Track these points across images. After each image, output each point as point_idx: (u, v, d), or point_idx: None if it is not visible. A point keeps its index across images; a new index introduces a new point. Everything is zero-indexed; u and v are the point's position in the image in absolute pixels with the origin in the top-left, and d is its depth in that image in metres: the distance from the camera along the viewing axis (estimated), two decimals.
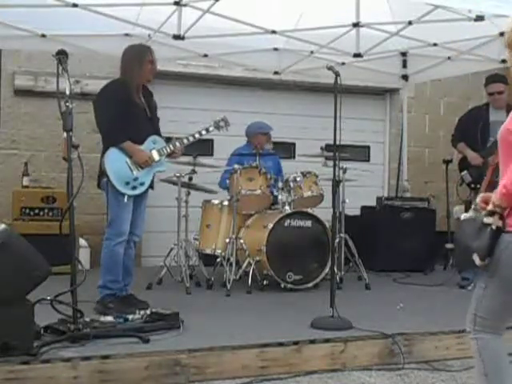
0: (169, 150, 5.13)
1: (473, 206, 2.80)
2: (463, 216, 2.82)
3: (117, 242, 4.90)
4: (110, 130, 4.89)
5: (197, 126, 8.34)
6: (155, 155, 5.05)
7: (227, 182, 6.38)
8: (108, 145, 4.93)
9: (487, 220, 2.65)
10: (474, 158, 6.38)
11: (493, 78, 6.52)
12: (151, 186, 5.16)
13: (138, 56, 5.03)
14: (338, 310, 4.53)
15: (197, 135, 5.39)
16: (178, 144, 5.20)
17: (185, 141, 5.27)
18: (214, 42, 6.52)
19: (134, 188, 4.96)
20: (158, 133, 5.17)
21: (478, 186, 6.14)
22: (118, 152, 4.92)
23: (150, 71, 5.06)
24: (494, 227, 2.62)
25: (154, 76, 5.16)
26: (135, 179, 4.96)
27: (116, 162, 4.89)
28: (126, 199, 4.89)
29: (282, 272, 6.02)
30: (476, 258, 2.66)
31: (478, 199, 2.78)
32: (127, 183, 4.92)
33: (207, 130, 5.52)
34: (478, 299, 2.75)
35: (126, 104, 4.90)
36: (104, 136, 4.99)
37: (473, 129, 6.41)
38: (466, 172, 6.49)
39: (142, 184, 5.00)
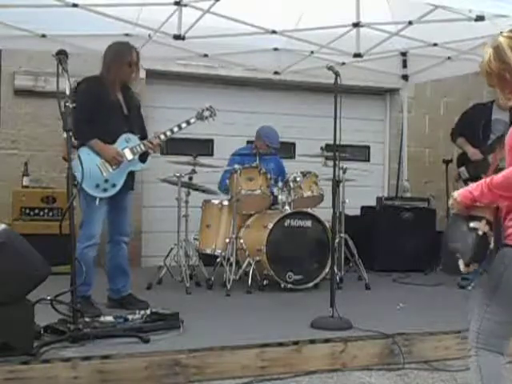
0: (143, 148, 4.94)
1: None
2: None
3: (86, 244, 4.76)
4: (78, 128, 4.68)
5: (196, 126, 8.33)
6: (128, 154, 4.89)
7: (227, 182, 6.38)
8: (78, 143, 4.78)
9: (474, 225, 2.59)
10: (474, 153, 6.37)
11: None
12: (131, 187, 5.04)
13: (117, 56, 4.93)
14: (338, 310, 4.53)
15: (175, 129, 5.16)
16: (155, 139, 5.01)
17: (162, 136, 5.07)
18: (214, 42, 6.52)
19: (105, 190, 4.82)
20: (135, 131, 4.97)
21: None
22: (89, 153, 4.78)
23: (128, 73, 4.94)
24: (480, 233, 2.57)
25: (134, 79, 5.07)
26: (106, 181, 4.81)
27: (86, 164, 4.65)
28: (97, 202, 4.77)
29: (282, 272, 6.02)
30: (461, 264, 2.61)
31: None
32: (97, 185, 4.79)
33: (188, 123, 5.25)
34: (481, 317, 2.66)
35: (98, 101, 4.77)
36: (73, 134, 4.72)
37: (475, 125, 6.40)
38: (463, 168, 6.48)
39: (113, 186, 4.85)
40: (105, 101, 4.83)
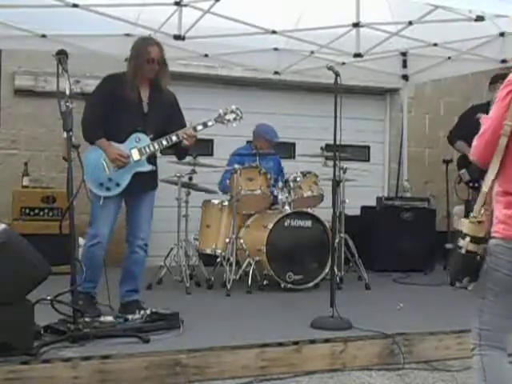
0: (152, 149, 4.79)
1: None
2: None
3: (91, 243, 4.72)
4: (85, 126, 4.70)
5: None
6: (135, 154, 4.76)
7: (227, 182, 6.38)
8: (87, 141, 4.74)
9: (459, 243, 2.61)
10: None
11: (502, 77, 6.51)
12: (152, 188, 4.94)
13: (135, 52, 4.81)
14: (338, 310, 4.53)
15: (199, 127, 4.92)
16: (189, 130, 4.83)
17: (199, 127, 4.88)
18: (215, 42, 6.52)
19: (108, 189, 4.73)
20: (149, 131, 4.80)
21: (476, 184, 6.14)
22: (96, 151, 4.73)
23: (148, 70, 4.77)
24: (463, 251, 2.59)
25: (162, 75, 4.84)
26: (109, 180, 4.71)
27: (92, 162, 4.67)
28: (101, 201, 4.70)
29: (282, 272, 6.02)
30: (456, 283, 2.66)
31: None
32: (101, 184, 4.71)
33: (205, 125, 4.99)
34: (480, 312, 2.69)
35: (112, 99, 4.68)
36: (82, 132, 4.76)
37: (473, 126, 6.39)
38: (464, 170, 6.49)
39: (117, 185, 4.74)
40: (120, 99, 4.71)
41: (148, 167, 4.84)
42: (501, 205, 2.62)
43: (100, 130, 4.76)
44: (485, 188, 2.62)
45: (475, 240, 2.60)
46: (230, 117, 5.08)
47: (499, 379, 2.69)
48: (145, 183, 4.88)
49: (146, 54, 4.76)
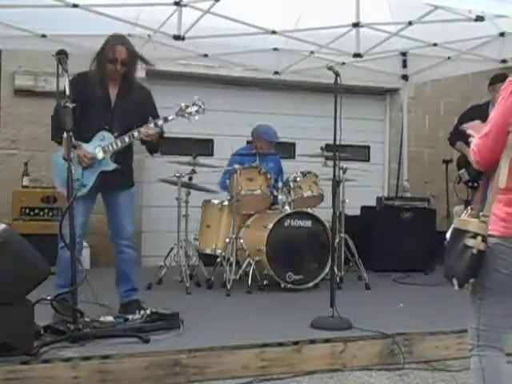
0: (115, 147, 4.63)
1: (467, 211, 2.74)
2: (454, 222, 2.75)
3: (60, 246, 4.55)
4: (52, 127, 4.61)
5: (197, 126, 8.31)
6: (99, 153, 4.62)
7: (227, 182, 6.38)
8: (55, 142, 4.63)
9: (468, 242, 2.59)
10: None
11: (502, 77, 6.51)
12: (127, 186, 4.79)
13: (100, 51, 4.66)
14: (338, 310, 4.53)
15: (160, 122, 4.72)
16: (136, 133, 4.64)
17: (151, 125, 4.70)
18: (214, 42, 6.52)
19: (76, 190, 4.55)
20: (114, 129, 4.64)
21: (476, 184, 6.14)
22: (63, 151, 4.59)
23: (112, 70, 4.65)
24: (474, 251, 2.57)
25: (118, 74, 4.68)
26: (76, 180, 4.56)
27: (60, 163, 4.55)
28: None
29: (282, 272, 6.02)
30: (455, 283, 2.63)
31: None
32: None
33: (165, 120, 4.77)
34: (477, 312, 2.69)
35: (79, 98, 4.49)
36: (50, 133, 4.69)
37: None
38: (463, 170, 6.48)
39: (83, 186, 4.61)
40: (88, 97, 4.60)
41: (112, 166, 4.67)
42: (501, 203, 2.62)
43: (61, 130, 4.59)
44: (501, 185, 2.59)
45: (484, 239, 2.59)
46: (192, 109, 4.84)
47: (498, 379, 2.69)
48: (118, 182, 4.76)
49: (109, 53, 4.66)
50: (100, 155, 4.64)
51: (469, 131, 2.90)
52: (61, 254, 4.54)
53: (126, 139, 4.67)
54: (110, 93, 4.76)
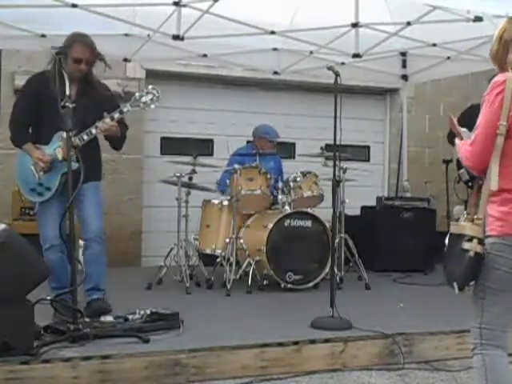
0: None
1: (464, 215, 2.76)
2: (451, 228, 2.76)
3: (44, 248, 4.55)
4: (11, 130, 4.58)
5: (197, 126, 8.30)
6: (59, 153, 4.54)
7: (227, 181, 6.38)
8: (15, 147, 4.61)
9: (465, 246, 2.61)
10: None
11: None
12: (91, 179, 4.56)
13: (63, 49, 4.45)
14: (338, 310, 4.53)
15: (116, 115, 4.59)
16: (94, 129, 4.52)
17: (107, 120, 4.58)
18: (214, 42, 6.52)
19: (41, 194, 4.59)
20: (74, 128, 4.35)
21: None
22: (25, 156, 4.62)
23: (76, 69, 4.57)
24: (471, 254, 2.59)
25: (81, 73, 4.62)
26: (40, 184, 4.57)
27: (22, 167, 4.53)
28: (36, 207, 4.61)
29: (282, 272, 6.02)
30: (455, 287, 2.65)
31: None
32: (32, 190, 4.62)
33: (121, 112, 4.61)
34: (480, 311, 2.69)
35: (35, 100, 4.45)
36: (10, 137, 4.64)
37: (472, 125, 6.39)
38: (463, 170, 6.48)
39: (47, 189, 4.58)
40: (46, 98, 4.50)
41: (74, 165, 4.35)
42: (495, 203, 2.63)
43: (25, 134, 4.65)
44: (493, 187, 2.61)
45: (480, 241, 2.61)
46: (147, 98, 4.61)
47: (500, 378, 2.69)
48: (84, 176, 4.49)
49: (74, 52, 4.58)
50: (60, 156, 4.54)
51: (454, 129, 2.93)
52: (45, 256, 4.48)
53: (85, 137, 4.55)
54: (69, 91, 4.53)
